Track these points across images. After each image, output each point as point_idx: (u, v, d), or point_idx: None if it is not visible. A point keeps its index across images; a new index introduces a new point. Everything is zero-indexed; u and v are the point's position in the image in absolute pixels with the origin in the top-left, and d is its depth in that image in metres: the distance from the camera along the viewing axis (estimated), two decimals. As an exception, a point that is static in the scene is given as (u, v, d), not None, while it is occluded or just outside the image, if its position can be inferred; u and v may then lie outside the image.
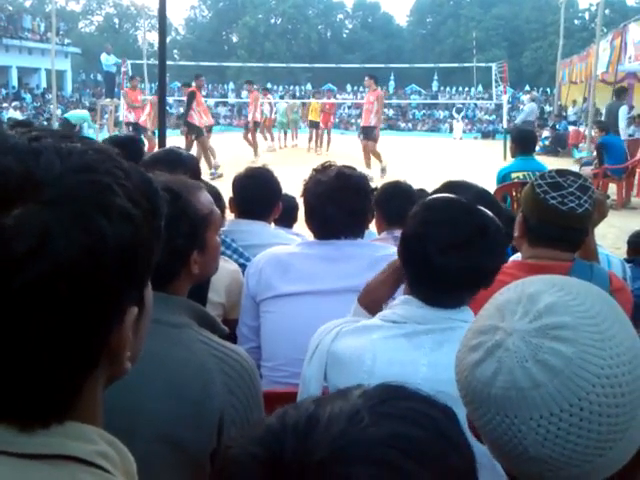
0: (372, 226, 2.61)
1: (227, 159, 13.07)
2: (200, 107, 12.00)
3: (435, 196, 1.49)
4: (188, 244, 1.37)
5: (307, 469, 0.50)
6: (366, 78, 12.04)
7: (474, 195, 1.65)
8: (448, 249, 1.30)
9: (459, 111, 32.25)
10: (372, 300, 1.56)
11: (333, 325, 1.47)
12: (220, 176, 10.60)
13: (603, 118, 12.45)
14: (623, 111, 11.64)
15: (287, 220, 3.19)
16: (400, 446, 0.52)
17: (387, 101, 33.09)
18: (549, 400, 0.71)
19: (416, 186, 3.10)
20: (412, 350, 1.33)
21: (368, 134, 11.56)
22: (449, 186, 1.97)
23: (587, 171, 9.93)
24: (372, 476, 0.50)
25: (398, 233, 2.58)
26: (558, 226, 1.80)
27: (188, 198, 1.39)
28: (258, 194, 2.54)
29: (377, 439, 0.52)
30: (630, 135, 12.19)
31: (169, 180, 1.42)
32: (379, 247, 2.08)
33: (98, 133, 17.53)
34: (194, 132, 11.81)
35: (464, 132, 29.11)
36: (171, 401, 1.22)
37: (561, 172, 1.86)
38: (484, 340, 0.77)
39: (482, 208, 1.39)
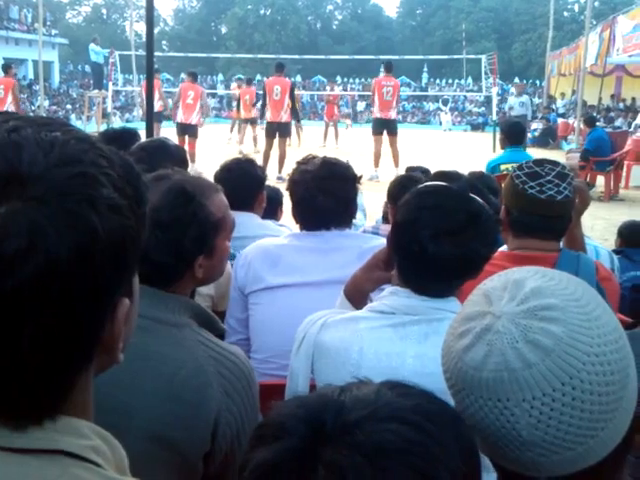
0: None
1: (215, 150, 13.05)
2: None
3: (427, 184, 1.49)
4: (194, 248, 1.33)
5: (346, 427, 0.59)
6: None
7: (465, 184, 1.66)
8: (440, 235, 1.30)
9: (445, 102, 32.27)
10: (357, 290, 1.55)
11: (318, 316, 1.46)
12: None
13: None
14: None
15: (271, 213, 3.16)
16: (422, 413, 0.62)
17: (377, 93, 33.12)
18: (541, 380, 0.71)
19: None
20: (398, 341, 1.32)
21: (395, 128, 11.08)
22: (440, 175, 1.97)
23: (574, 161, 9.97)
24: (402, 433, 0.59)
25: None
26: (539, 215, 1.81)
27: (201, 201, 1.35)
28: (237, 186, 2.52)
29: (403, 407, 0.63)
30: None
31: (185, 180, 1.38)
32: (368, 238, 2.08)
33: (86, 125, 17.44)
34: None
35: (453, 124, 29.15)
36: (167, 401, 1.21)
37: (539, 162, 1.86)
38: (473, 326, 0.77)
39: (474, 195, 1.39)
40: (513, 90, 16.83)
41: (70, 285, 0.53)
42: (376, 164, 10.99)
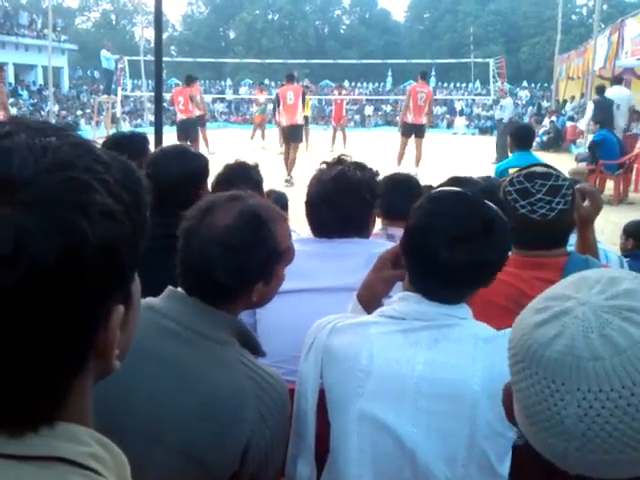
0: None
1: (225, 155, 13.07)
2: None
3: (441, 189, 1.47)
4: (257, 274, 1.34)
5: None
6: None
7: (480, 190, 1.63)
8: (453, 241, 1.28)
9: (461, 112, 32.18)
10: (370, 294, 1.54)
11: (327, 320, 1.46)
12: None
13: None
14: None
15: None
16: None
17: (384, 97, 33.18)
18: (603, 376, 0.69)
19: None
20: (408, 347, 1.32)
21: (422, 132, 11.74)
22: (455, 181, 1.95)
23: (583, 167, 9.92)
24: None
25: (392, 230, 2.57)
26: (533, 232, 1.78)
27: (272, 230, 1.35)
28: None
29: None
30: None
31: (258, 205, 1.38)
32: (376, 244, 2.06)
33: (95, 130, 17.52)
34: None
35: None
36: (202, 419, 1.21)
37: (530, 176, 1.80)
38: (553, 305, 0.76)
39: (488, 202, 1.37)
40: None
41: (59, 291, 0.53)
42: (398, 163, 11.55)
